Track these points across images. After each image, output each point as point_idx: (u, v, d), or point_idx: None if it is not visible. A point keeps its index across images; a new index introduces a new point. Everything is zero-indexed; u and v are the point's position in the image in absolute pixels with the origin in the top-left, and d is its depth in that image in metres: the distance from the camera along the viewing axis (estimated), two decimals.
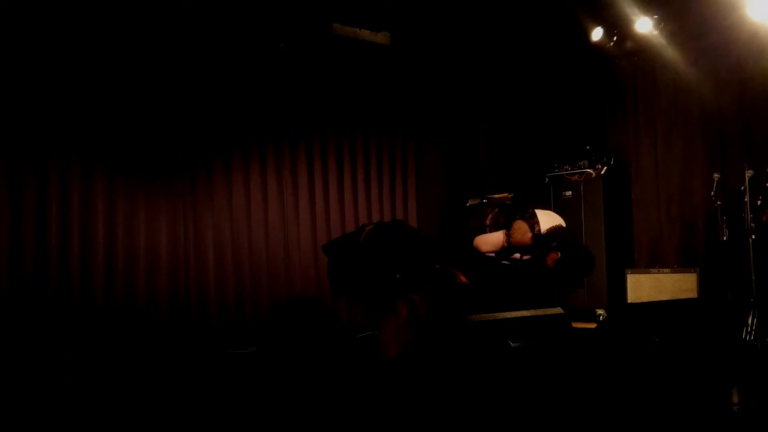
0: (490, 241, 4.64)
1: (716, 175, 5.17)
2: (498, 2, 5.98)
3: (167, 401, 4.87)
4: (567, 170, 6.72)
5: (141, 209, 5.41)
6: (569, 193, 6.63)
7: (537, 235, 4.40)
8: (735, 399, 3.49)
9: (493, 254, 4.65)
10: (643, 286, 5.98)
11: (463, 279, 3.59)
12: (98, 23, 5.13)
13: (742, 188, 4.93)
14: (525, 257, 4.62)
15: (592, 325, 5.67)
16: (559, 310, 3.47)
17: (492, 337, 3.04)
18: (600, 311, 6.25)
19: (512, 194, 6.83)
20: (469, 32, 6.40)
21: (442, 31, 6.37)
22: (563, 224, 4.51)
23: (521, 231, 4.50)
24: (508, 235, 4.55)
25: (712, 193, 5.16)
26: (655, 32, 6.14)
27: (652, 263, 6.41)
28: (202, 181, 5.72)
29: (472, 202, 6.79)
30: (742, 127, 5.94)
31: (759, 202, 4.99)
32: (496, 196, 6.80)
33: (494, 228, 4.65)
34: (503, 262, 4.71)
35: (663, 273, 5.94)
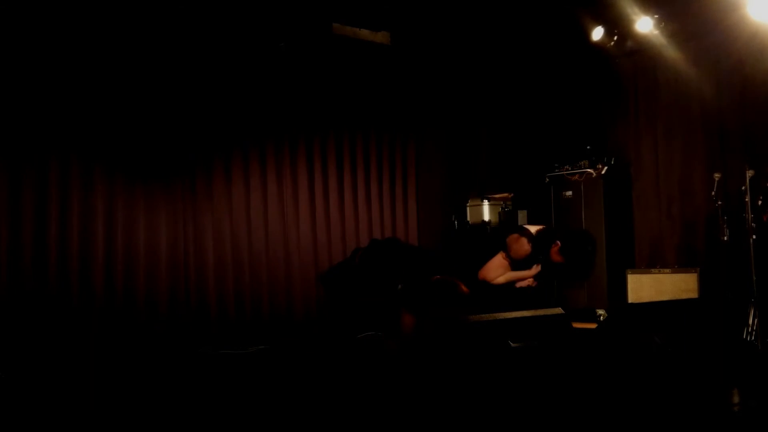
0: (492, 266, 4.76)
1: (717, 175, 5.16)
2: (498, 2, 5.98)
3: (166, 400, 4.87)
4: (567, 170, 6.71)
5: (141, 209, 5.40)
6: (569, 193, 6.63)
7: (533, 237, 4.47)
8: (735, 399, 3.49)
9: (505, 280, 4.73)
10: (644, 286, 5.97)
11: (465, 288, 3.60)
12: (98, 23, 5.13)
13: (743, 188, 4.92)
14: (535, 267, 4.69)
15: (593, 325, 5.67)
16: (559, 310, 3.47)
17: (492, 337, 3.04)
18: (600, 311, 6.24)
19: (512, 194, 6.85)
20: (469, 32, 6.40)
21: (443, 31, 6.36)
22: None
23: (515, 241, 4.60)
24: (507, 251, 4.64)
25: (713, 193, 5.15)
26: (656, 32, 6.12)
27: (652, 263, 6.39)
28: (202, 181, 5.71)
29: (472, 203, 6.82)
30: (742, 127, 5.93)
31: (760, 202, 4.98)
32: (496, 196, 6.82)
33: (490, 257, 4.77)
34: (518, 285, 4.79)
35: (663, 273, 5.93)
